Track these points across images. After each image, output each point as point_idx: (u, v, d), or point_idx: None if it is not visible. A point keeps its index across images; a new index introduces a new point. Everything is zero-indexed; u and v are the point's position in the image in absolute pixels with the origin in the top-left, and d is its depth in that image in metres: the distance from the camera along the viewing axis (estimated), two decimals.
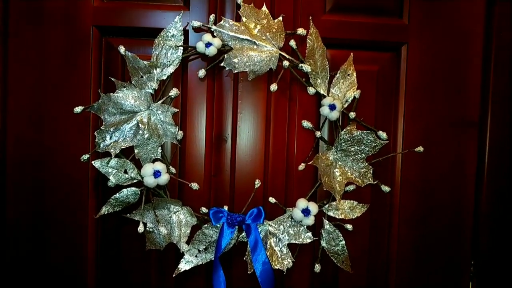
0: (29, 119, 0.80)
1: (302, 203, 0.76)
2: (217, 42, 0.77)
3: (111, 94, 0.75)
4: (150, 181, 0.75)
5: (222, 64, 0.76)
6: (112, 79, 0.75)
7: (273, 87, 0.78)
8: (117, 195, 0.76)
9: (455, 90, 0.86)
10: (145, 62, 0.76)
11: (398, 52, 0.85)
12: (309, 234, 0.78)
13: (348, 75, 0.80)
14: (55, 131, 0.81)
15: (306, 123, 0.81)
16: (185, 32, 0.80)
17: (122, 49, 0.76)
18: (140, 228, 0.75)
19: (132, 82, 0.76)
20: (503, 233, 0.87)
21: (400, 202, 0.85)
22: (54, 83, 0.80)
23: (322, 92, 0.80)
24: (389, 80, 0.85)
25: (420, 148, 0.81)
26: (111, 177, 0.75)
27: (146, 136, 0.76)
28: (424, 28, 0.84)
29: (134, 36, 0.82)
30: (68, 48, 0.80)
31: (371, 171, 0.79)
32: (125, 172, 0.75)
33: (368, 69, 0.84)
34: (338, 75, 0.79)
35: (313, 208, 0.76)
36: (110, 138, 0.76)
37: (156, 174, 0.75)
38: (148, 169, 0.75)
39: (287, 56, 0.78)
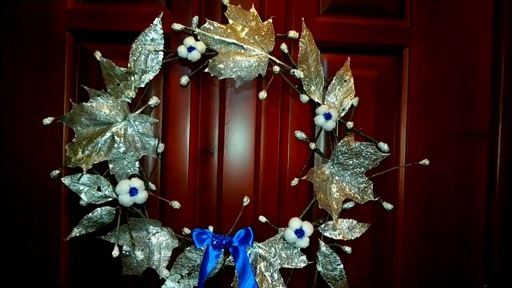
0: None
1: (295, 222, 0.72)
2: (200, 46, 0.73)
3: (84, 103, 0.71)
4: (125, 199, 0.70)
5: (206, 70, 0.72)
6: (85, 87, 0.71)
7: (262, 94, 0.73)
8: (90, 215, 0.71)
9: (463, 98, 0.82)
10: (122, 69, 0.72)
11: (399, 56, 0.82)
12: (304, 257, 0.73)
13: (345, 81, 0.76)
14: (26, 144, 0.77)
15: (299, 134, 0.77)
16: (166, 36, 0.75)
17: (98, 55, 0.72)
18: (115, 252, 0.70)
19: (108, 91, 0.72)
20: None
21: (404, 221, 0.81)
22: (25, 92, 0.77)
23: (316, 100, 0.75)
24: (389, 86, 0.82)
25: (426, 161, 0.76)
26: (82, 195, 0.70)
27: (122, 149, 0.72)
28: (428, 30, 0.81)
29: (111, 41, 0.78)
30: (41, 54, 0.77)
31: (372, 187, 0.74)
32: (99, 189, 0.71)
33: (367, 75, 0.81)
34: (334, 81, 0.75)
35: (308, 228, 0.72)
36: (82, 152, 0.71)
37: (133, 191, 0.70)
38: (123, 186, 0.70)
39: (278, 61, 0.74)
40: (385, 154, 0.74)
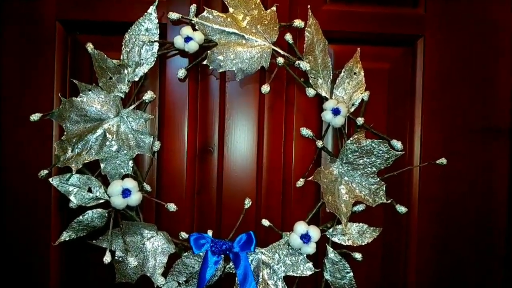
0: None
1: (301, 227, 0.69)
2: (198, 36, 0.70)
3: (74, 98, 0.68)
4: (118, 201, 0.67)
5: (205, 62, 0.70)
6: (75, 81, 0.68)
7: (265, 88, 0.71)
8: (80, 217, 0.68)
9: (482, 91, 0.79)
10: (114, 61, 0.69)
11: (413, 47, 0.79)
12: (310, 264, 0.71)
13: (355, 73, 0.73)
14: (13, 141, 0.74)
15: (305, 131, 0.74)
16: (162, 26, 0.72)
17: (90, 47, 0.69)
18: (106, 258, 0.66)
19: (99, 85, 0.69)
20: None
21: (418, 225, 0.78)
22: (12, 86, 0.74)
23: (324, 94, 0.72)
24: (402, 80, 0.79)
25: (443, 160, 0.73)
26: (71, 197, 0.67)
27: (114, 148, 0.69)
28: (443, 18, 0.78)
29: (104, 32, 0.75)
30: (29, 46, 0.74)
31: (384, 188, 0.71)
32: (90, 190, 0.68)
33: (378, 67, 0.78)
34: (342, 74, 0.73)
35: (315, 233, 0.69)
36: (72, 150, 0.68)
37: (126, 193, 0.67)
38: (115, 187, 0.67)
39: (282, 52, 0.71)
40: (399, 152, 0.70)
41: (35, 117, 0.67)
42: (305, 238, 0.69)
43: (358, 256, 0.72)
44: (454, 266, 0.79)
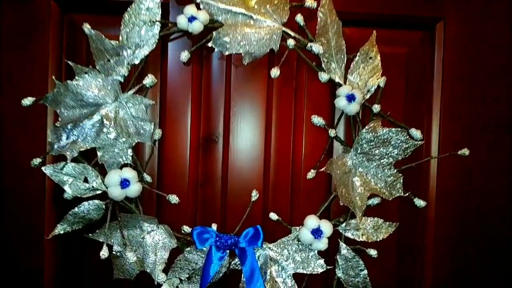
0: None
1: (312, 221, 0.67)
2: (203, 16, 0.66)
3: (69, 82, 0.65)
4: (116, 192, 0.64)
5: (210, 44, 0.67)
6: (70, 62, 0.65)
7: (275, 72, 0.67)
8: (76, 209, 0.66)
9: (506, 80, 0.76)
10: (113, 42, 0.66)
11: (432, 30, 0.76)
12: (321, 261, 0.69)
13: (371, 58, 0.69)
14: (5, 127, 0.72)
15: (316, 119, 0.71)
16: (164, 5, 0.70)
17: (87, 28, 0.65)
18: (103, 253, 0.64)
19: (97, 68, 0.66)
20: None
21: (435, 220, 0.76)
22: (4, 69, 0.72)
23: (337, 79, 0.69)
24: (421, 65, 0.77)
25: (465, 151, 0.70)
26: (66, 187, 0.65)
27: (112, 135, 0.67)
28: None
29: (103, 11, 0.73)
30: (22, 26, 0.72)
31: (401, 181, 0.68)
32: (86, 180, 0.65)
33: (395, 52, 0.76)
34: (357, 58, 0.69)
35: (327, 227, 0.67)
36: (67, 137, 0.66)
37: (124, 183, 0.65)
38: (113, 177, 0.64)
39: (293, 34, 0.68)
40: (418, 142, 0.67)
41: (27, 101, 0.65)
42: (317, 233, 0.66)
43: (373, 252, 0.69)
44: (473, 264, 0.77)
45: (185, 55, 0.68)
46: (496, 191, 0.76)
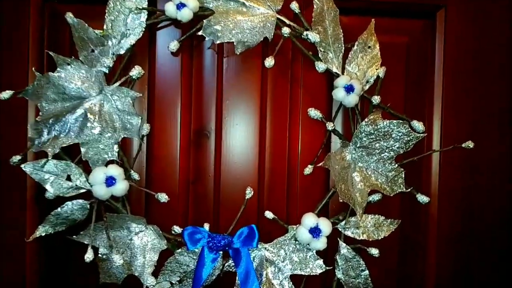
0: None
1: (310, 219, 0.66)
2: (192, 3, 0.65)
3: (50, 73, 0.63)
4: (101, 191, 0.63)
5: (200, 33, 0.65)
6: (51, 53, 0.63)
7: (269, 61, 0.65)
8: (58, 210, 0.64)
9: (510, 68, 0.75)
10: (97, 31, 0.64)
11: (433, 19, 0.75)
12: (320, 261, 0.68)
13: (369, 47, 0.68)
14: None
15: (313, 112, 0.70)
16: None
17: (69, 16, 0.64)
18: (88, 256, 0.62)
19: (80, 58, 0.65)
20: None
21: (438, 217, 0.75)
22: None
23: (334, 70, 0.68)
24: (422, 55, 0.76)
25: (470, 144, 0.68)
26: (47, 186, 0.63)
27: (96, 130, 0.65)
28: None
29: (87, 1, 0.72)
30: (1, 15, 0.70)
31: (403, 176, 0.66)
32: (69, 178, 0.64)
33: (395, 41, 0.75)
34: (355, 47, 0.68)
35: (325, 226, 0.66)
36: (48, 133, 0.64)
37: (109, 181, 0.63)
38: (98, 174, 0.63)
39: (288, 22, 0.66)
40: (421, 135, 0.65)
41: (5, 94, 0.63)
42: (315, 232, 0.65)
43: (374, 251, 0.68)
44: (477, 262, 0.76)
45: (174, 45, 0.67)
46: (502, 184, 0.75)
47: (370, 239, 0.67)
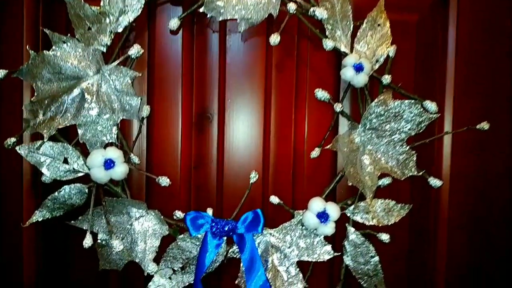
0: None
1: (317, 204, 0.65)
2: None
3: (45, 52, 0.62)
4: (99, 174, 0.61)
5: (202, 10, 0.63)
6: (46, 30, 0.61)
7: (275, 38, 0.63)
8: (55, 194, 0.63)
9: None
10: (94, 8, 0.63)
11: None
12: (328, 247, 0.67)
13: (379, 25, 0.66)
14: None
15: (320, 93, 0.68)
16: None
17: None
18: (86, 242, 0.60)
19: (76, 36, 0.63)
20: None
21: (449, 202, 0.73)
22: None
23: (343, 48, 0.66)
24: (433, 33, 0.74)
25: (485, 125, 0.66)
26: (44, 169, 0.61)
27: (94, 111, 0.64)
28: None
29: None
30: None
31: (414, 159, 0.65)
32: (66, 161, 0.62)
33: (405, 19, 0.73)
34: (364, 25, 0.67)
35: (334, 210, 0.64)
36: (44, 114, 0.62)
37: (108, 164, 0.61)
38: (96, 157, 0.61)
39: None
40: (434, 115, 0.64)
41: None
42: (323, 216, 0.64)
43: (384, 237, 0.66)
44: (489, 248, 0.75)
45: (174, 23, 0.65)
46: None
47: (380, 225, 0.66)
